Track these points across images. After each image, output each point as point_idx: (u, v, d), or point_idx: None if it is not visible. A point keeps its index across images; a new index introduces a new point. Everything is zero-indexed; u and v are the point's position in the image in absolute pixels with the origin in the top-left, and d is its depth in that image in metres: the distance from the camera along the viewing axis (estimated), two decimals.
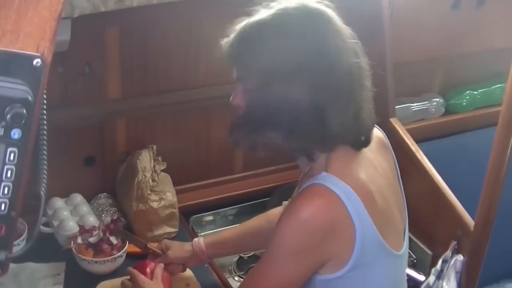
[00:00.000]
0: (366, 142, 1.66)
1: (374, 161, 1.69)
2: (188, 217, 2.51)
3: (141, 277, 1.89)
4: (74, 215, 2.30)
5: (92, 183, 2.45)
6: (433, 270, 2.22)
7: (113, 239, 2.13)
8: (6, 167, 1.10)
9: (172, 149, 2.50)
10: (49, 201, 2.33)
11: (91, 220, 2.26)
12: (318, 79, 1.51)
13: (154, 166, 2.35)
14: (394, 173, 1.78)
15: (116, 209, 2.38)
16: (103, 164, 2.44)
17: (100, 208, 2.38)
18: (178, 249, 2.08)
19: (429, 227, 2.38)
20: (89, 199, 2.41)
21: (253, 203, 2.66)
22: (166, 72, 2.35)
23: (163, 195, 2.30)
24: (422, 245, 2.43)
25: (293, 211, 1.53)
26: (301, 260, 1.56)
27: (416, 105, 2.88)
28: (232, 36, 1.59)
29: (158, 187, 2.32)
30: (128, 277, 1.95)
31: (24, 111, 1.07)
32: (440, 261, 2.21)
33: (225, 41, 1.60)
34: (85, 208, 2.34)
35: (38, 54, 1.08)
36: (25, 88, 1.08)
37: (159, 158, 2.39)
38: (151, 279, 1.91)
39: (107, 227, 2.15)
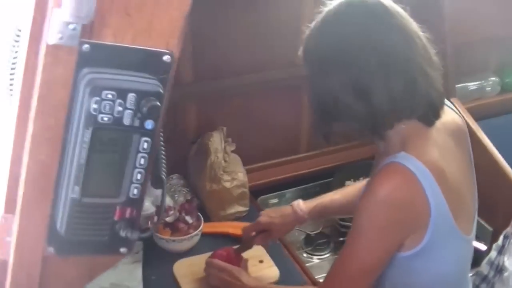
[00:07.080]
0: (435, 116, 1.65)
1: (448, 144, 1.71)
2: (255, 196, 2.56)
3: (232, 266, 1.98)
4: (148, 195, 2.33)
5: None
6: (494, 245, 2.26)
7: (188, 219, 2.22)
8: (139, 155, 1.20)
9: (239, 130, 2.55)
10: None
11: (166, 200, 2.33)
12: (349, 64, 1.55)
13: (224, 147, 2.41)
14: (468, 159, 1.80)
15: (188, 189, 2.46)
16: (174, 145, 2.47)
17: (173, 189, 2.45)
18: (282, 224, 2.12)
19: (489, 203, 2.40)
20: None
21: (317, 183, 2.71)
22: (235, 55, 2.43)
23: (235, 175, 2.38)
24: (482, 221, 2.47)
25: (372, 190, 1.58)
26: (384, 236, 1.61)
27: (473, 84, 2.91)
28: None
29: (229, 167, 2.39)
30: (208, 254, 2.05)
31: (158, 103, 1.15)
32: (501, 237, 2.26)
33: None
34: None
35: (168, 51, 1.16)
36: (157, 82, 1.17)
37: (229, 139, 2.45)
38: None
39: (182, 206, 2.25)
